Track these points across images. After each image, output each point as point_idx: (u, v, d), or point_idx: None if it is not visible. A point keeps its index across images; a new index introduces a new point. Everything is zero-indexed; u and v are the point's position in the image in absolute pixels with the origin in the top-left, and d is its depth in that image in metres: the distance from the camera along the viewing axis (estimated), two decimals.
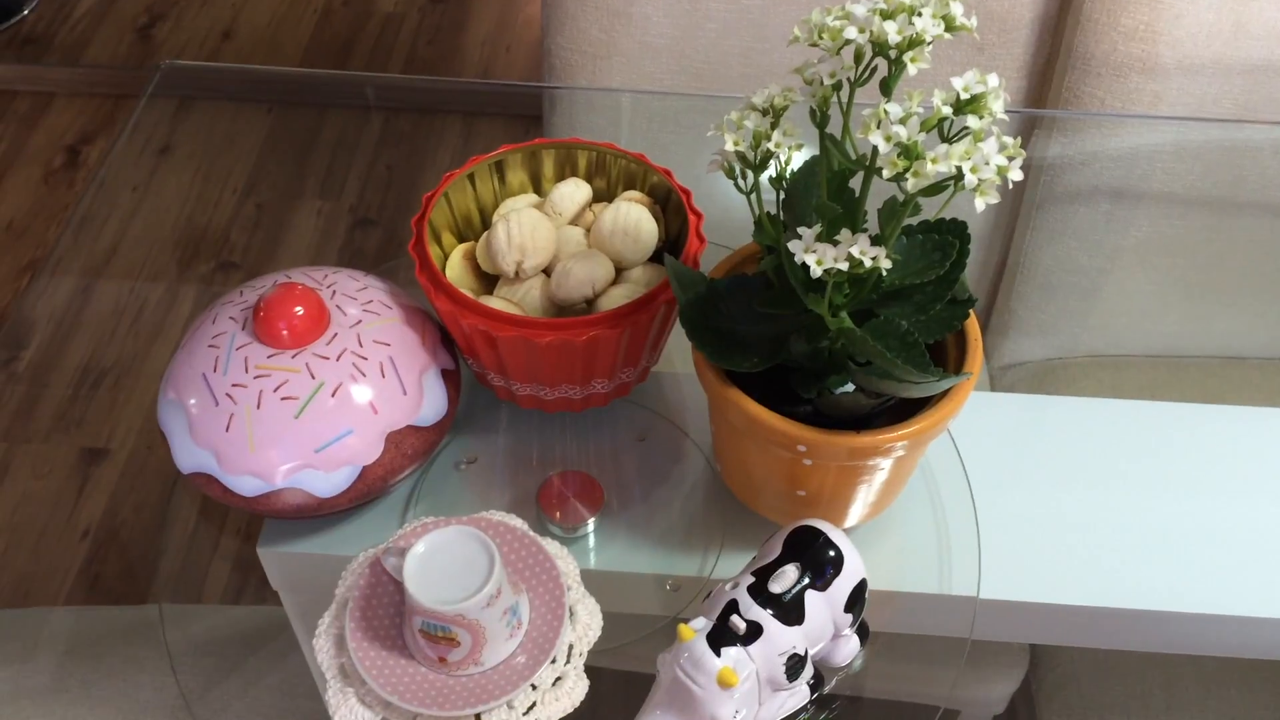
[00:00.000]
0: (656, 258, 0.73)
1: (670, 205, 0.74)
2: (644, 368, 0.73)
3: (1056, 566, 0.74)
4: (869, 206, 0.56)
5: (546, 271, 0.72)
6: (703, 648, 0.57)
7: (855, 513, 0.69)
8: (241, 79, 1.84)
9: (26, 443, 1.57)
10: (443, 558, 0.59)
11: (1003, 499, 0.76)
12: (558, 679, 0.62)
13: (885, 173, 0.48)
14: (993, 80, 0.49)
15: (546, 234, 0.70)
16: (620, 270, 0.72)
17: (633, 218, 0.71)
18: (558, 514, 0.70)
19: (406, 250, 0.70)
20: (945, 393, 0.61)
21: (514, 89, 2.08)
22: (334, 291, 0.69)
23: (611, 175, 0.76)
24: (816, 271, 0.51)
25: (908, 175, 0.47)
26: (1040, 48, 1.04)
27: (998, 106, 0.49)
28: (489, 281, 0.74)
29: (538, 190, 0.78)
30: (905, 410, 0.62)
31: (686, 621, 0.58)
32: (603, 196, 0.77)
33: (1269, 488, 0.79)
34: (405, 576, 0.58)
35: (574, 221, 0.75)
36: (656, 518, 0.72)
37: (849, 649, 0.63)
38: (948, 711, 0.80)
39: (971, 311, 0.62)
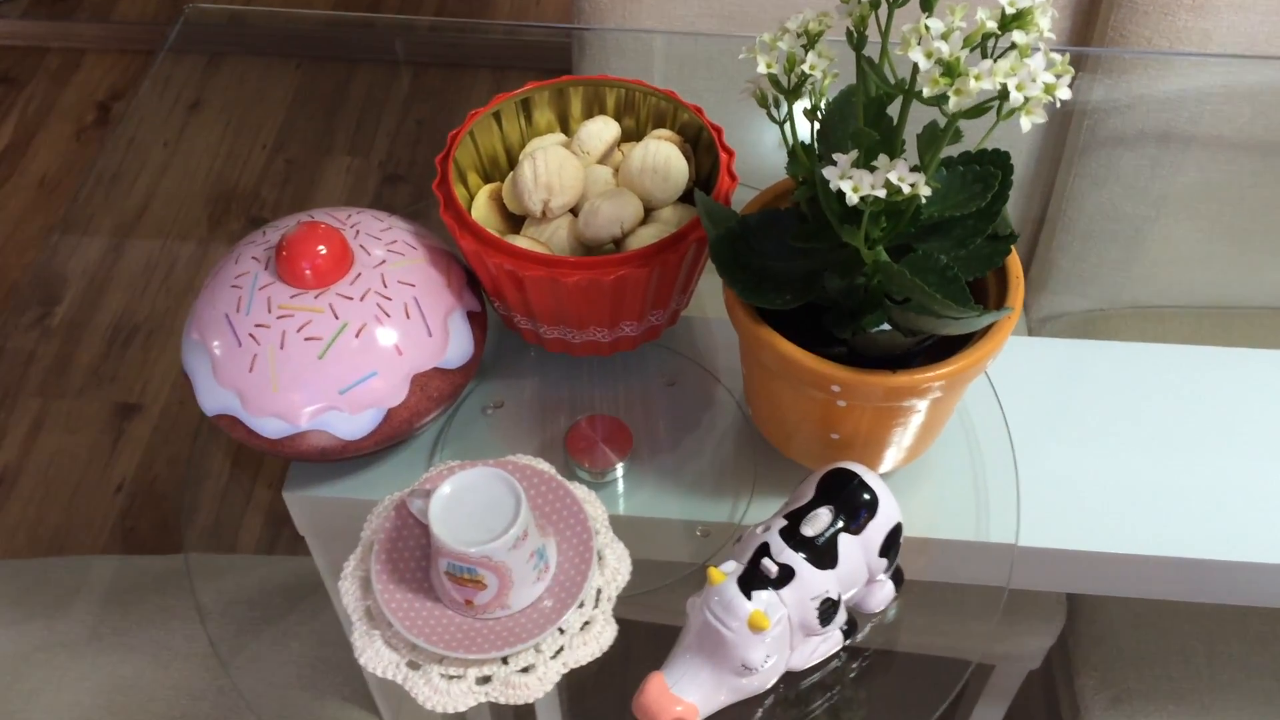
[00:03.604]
0: (686, 197, 0.71)
1: (701, 144, 0.72)
2: (674, 310, 0.72)
3: (1096, 514, 0.72)
4: (907, 135, 0.54)
5: (574, 212, 0.70)
6: (733, 590, 0.55)
7: (891, 457, 0.67)
8: (268, 27, 1.82)
9: (60, 398, 1.58)
10: (469, 500, 0.58)
11: (1041, 446, 0.74)
12: (586, 623, 0.61)
13: (926, 91, 0.46)
14: None
15: (574, 172, 0.69)
16: (649, 210, 0.70)
17: (662, 155, 0.69)
18: (586, 459, 0.69)
19: (432, 190, 0.68)
20: (984, 332, 0.59)
21: (545, 41, 2.05)
22: (357, 231, 0.68)
23: (641, 113, 0.74)
24: (853, 199, 0.49)
25: (949, 94, 0.45)
26: None
27: (1045, 21, 0.47)
28: (515, 222, 0.72)
29: (565, 130, 0.76)
30: (943, 350, 0.60)
31: (717, 565, 0.57)
32: (631, 135, 0.75)
33: None
34: (430, 518, 0.57)
35: (602, 160, 0.73)
36: (686, 463, 0.71)
37: (884, 595, 0.62)
38: (982, 666, 0.78)
39: (1013, 247, 0.60)
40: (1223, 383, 0.81)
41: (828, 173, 0.50)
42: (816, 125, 0.58)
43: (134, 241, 1.69)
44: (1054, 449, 0.74)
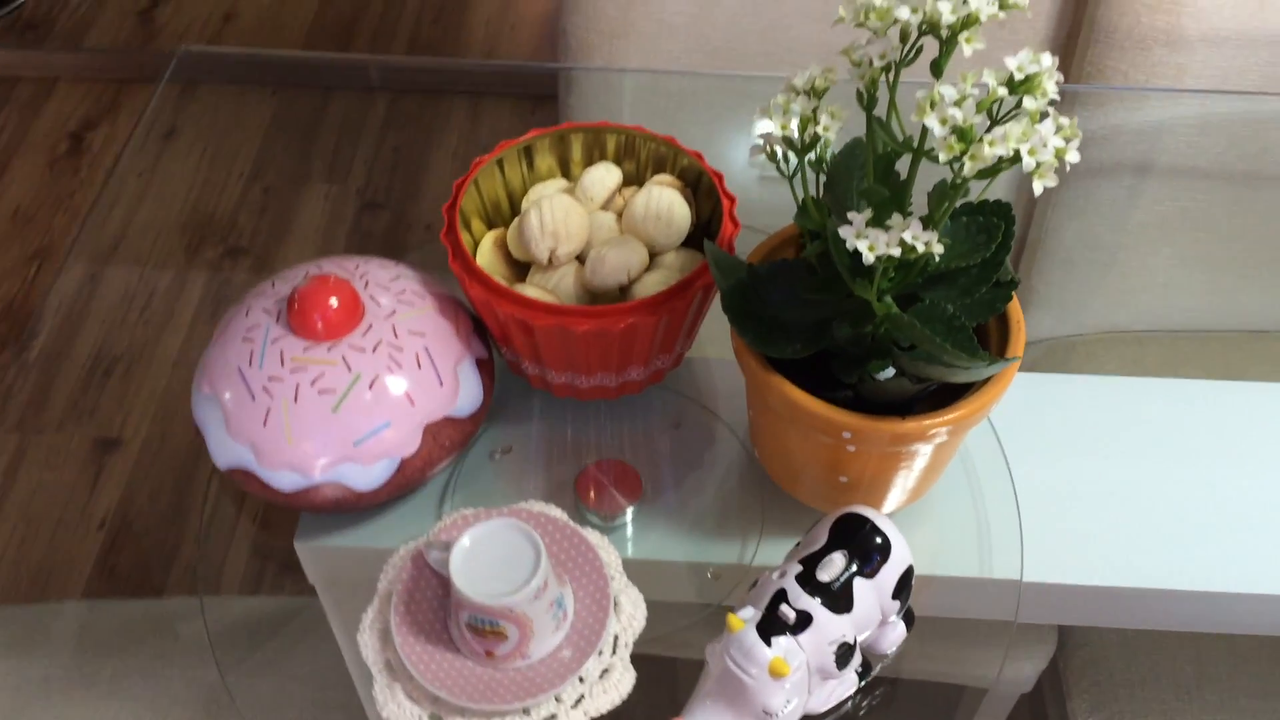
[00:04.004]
0: (688, 241, 0.72)
1: (701, 188, 0.74)
2: (678, 354, 0.73)
3: (1095, 548, 0.73)
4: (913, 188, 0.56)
5: (579, 258, 0.71)
6: (753, 638, 0.57)
7: (895, 498, 0.68)
8: (255, 64, 1.82)
9: (39, 433, 1.56)
10: (488, 551, 0.59)
11: (1039, 481, 0.76)
12: (605, 671, 0.62)
13: (942, 156, 0.47)
14: (1046, 60, 0.48)
15: (579, 220, 0.70)
16: (653, 255, 0.71)
17: (665, 202, 0.71)
18: (596, 504, 0.69)
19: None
20: (988, 377, 0.61)
21: (521, 67, 2.06)
22: (366, 281, 0.68)
23: (641, 158, 0.76)
24: (869, 258, 0.50)
25: (964, 159, 0.46)
26: (1062, 20, 1.03)
27: (1051, 86, 0.48)
28: (520, 268, 0.73)
29: (566, 174, 0.77)
30: (946, 393, 0.62)
31: (734, 611, 0.58)
32: (631, 180, 0.76)
33: None
34: (452, 571, 0.58)
35: (604, 206, 0.74)
36: (694, 505, 0.72)
37: (895, 635, 0.63)
38: (975, 691, 0.80)
39: (1013, 293, 0.62)
40: (1202, 414, 0.83)
41: (843, 232, 0.51)
42: (822, 177, 0.59)
43: (111, 273, 1.68)
44: (1044, 482, 0.76)
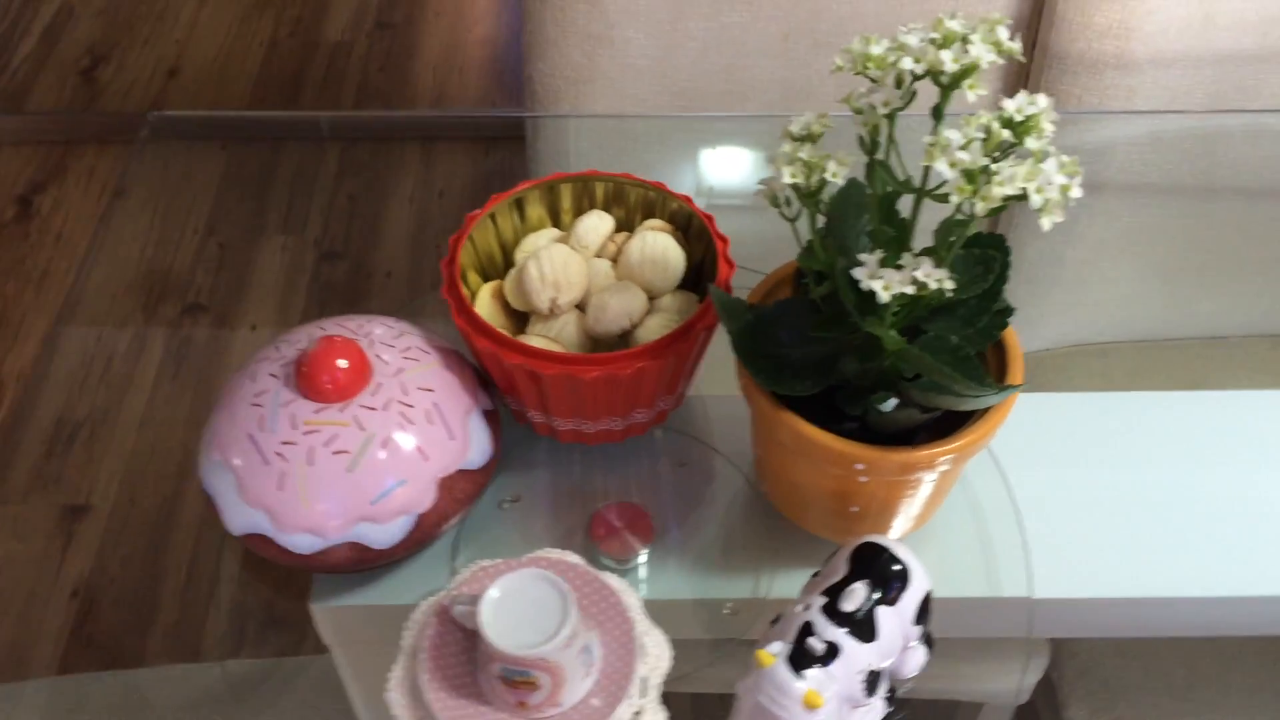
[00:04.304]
0: (683, 284, 0.74)
1: (692, 230, 0.75)
2: (680, 394, 0.74)
3: (1097, 561, 0.76)
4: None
5: (579, 305, 0.72)
6: (785, 672, 0.58)
7: (901, 525, 0.70)
8: (229, 124, 1.81)
9: (4, 504, 1.53)
10: (516, 601, 0.60)
11: (1036, 498, 0.78)
12: (636, 714, 0.62)
13: (954, 198, 0.49)
14: (1042, 101, 0.51)
15: (578, 269, 0.71)
16: (650, 299, 0.73)
17: (660, 247, 0.72)
18: (611, 548, 0.70)
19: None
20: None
21: (472, 111, 2.07)
22: (371, 340, 0.69)
23: (630, 204, 0.77)
24: (884, 298, 0.52)
25: (976, 200, 0.48)
26: None
27: (1048, 126, 0.51)
28: (518, 318, 0.74)
29: (556, 223, 0.78)
30: (947, 420, 0.64)
31: (762, 646, 0.59)
32: (622, 226, 0.77)
33: (1263, 468, 0.82)
34: (482, 624, 0.58)
35: (598, 253, 0.75)
36: (704, 542, 0.73)
37: (917, 660, 0.65)
38: (969, 706, 0.81)
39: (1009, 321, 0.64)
40: (1171, 424, 0.86)
41: (857, 273, 0.53)
42: (819, 219, 0.61)
43: (69, 336, 1.66)
44: (1048, 500, 0.78)
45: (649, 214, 0.77)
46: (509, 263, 0.77)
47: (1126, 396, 0.91)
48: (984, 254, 0.60)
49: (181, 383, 1.45)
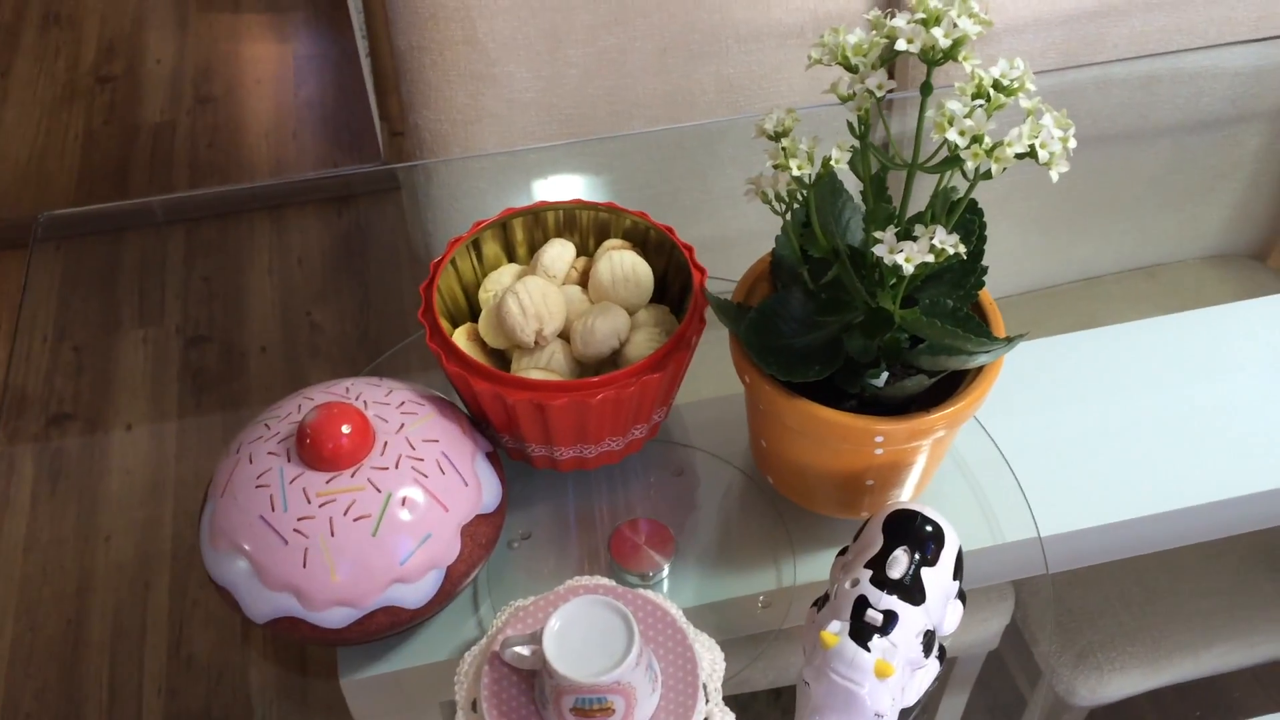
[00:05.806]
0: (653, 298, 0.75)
1: (649, 244, 0.76)
2: (670, 405, 0.75)
3: (1090, 491, 0.80)
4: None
5: (561, 334, 0.72)
6: (853, 648, 0.59)
7: (907, 493, 0.73)
8: (60, 223, 1.71)
9: None
10: (575, 630, 0.59)
11: (1016, 442, 0.82)
12: (706, 719, 0.63)
13: (970, 164, 0.52)
14: (1020, 63, 0.54)
15: (556, 298, 0.71)
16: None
17: (628, 264, 0.73)
18: (635, 564, 0.71)
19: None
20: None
21: (334, 175, 2.02)
22: (365, 402, 0.67)
23: (583, 228, 0.78)
24: (908, 269, 0.54)
25: (992, 163, 0.51)
26: None
27: (1031, 85, 0.54)
28: (497, 355, 0.74)
29: (511, 258, 0.78)
30: (937, 389, 0.67)
31: (822, 629, 0.60)
32: (579, 250, 0.78)
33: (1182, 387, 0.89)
34: (549, 658, 0.58)
35: (564, 281, 0.75)
36: (721, 542, 0.74)
37: (956, 615, 0.67)
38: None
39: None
40: (1116, 356, 0.92)
41: (878, 250, 0.55)
42: (797, 207, 0.63)
43: None
44: (1027, 443, 0.82)
45: (603, 235, 0.78)
46: (472, 305, 0.76)
47: (1039, 344, 0.97)
48: (963, 219, 0.63)
49: (61, 497, 1.37)
